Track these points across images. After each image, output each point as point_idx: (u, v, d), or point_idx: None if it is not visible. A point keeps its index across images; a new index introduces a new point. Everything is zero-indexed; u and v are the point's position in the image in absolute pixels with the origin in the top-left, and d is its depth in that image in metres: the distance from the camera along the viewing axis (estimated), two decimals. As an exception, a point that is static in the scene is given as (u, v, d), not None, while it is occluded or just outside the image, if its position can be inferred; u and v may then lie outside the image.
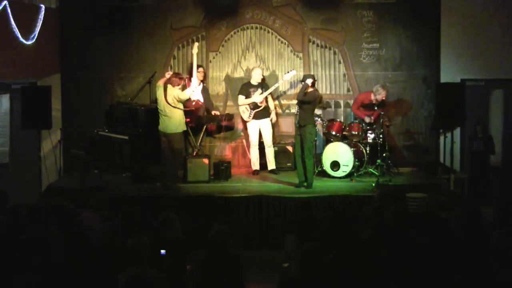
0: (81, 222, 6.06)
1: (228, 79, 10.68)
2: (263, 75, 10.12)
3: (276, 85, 10.06)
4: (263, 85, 10.01)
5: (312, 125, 9.04)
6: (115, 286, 4.75)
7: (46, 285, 4.86)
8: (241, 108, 10.00)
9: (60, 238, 5.43)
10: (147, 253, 4.85)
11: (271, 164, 10.07)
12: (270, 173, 10.04)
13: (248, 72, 10.51)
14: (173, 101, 8.91)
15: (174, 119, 8.97)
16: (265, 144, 10.04)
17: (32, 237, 5.39)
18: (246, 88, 9.96)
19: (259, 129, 9.99)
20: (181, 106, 8.99)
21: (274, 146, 10.17)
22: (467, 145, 10.22)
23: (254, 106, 9.89)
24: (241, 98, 9.96)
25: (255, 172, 10.08)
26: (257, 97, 9.86)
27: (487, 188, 9.63)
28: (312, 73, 10.56)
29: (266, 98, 9.95)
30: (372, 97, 9.94)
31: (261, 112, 9.93)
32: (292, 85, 10.54)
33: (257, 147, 10.06)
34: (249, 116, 9.92)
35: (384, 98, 9.91)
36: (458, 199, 9.09)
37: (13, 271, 4.96)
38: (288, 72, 10.00)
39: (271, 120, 10.09)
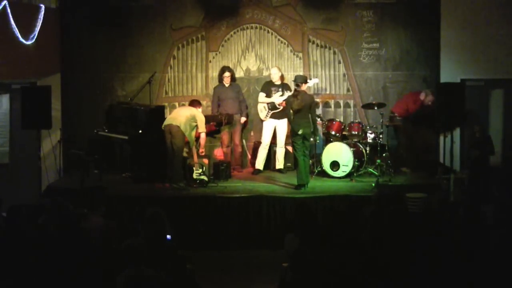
0: (84, 222, 6.09)
1: (228, 79, 10.66)
2: (281, 75, 10.11)
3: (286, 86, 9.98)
4: (285, 85, 10.01)
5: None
6: (114, 286, 4.74)
7: (45, 285, 4.87)
8: (260, 106, 10.01)
9: (60, 238, 5.42)
10: (144, 254, 4.85)
11: (280, 164, 10.14)
12: (277, 171, 10.10)
13: (248, 72, 10.57)
14: (189, 120, 9.10)
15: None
16: (277, 144, 10.05)
17: (32, 237, 5.39)
18: (267, 87, 9.99)
19: (274, 129, 10.00)
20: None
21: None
22: (466, 146, 10.23)
23: (272, 107, 9.91)
24: (262, 96, 9.98)
25: (255, 172, 10.08)
26: (277, 98, 9.85)
27: (487, 188, 9.62)
28: (312, 73, 10.58)
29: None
30: (422, 97, 10.02)
31: (279, 113, 9.91)
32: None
33: (267, 147, 10.07)
34: (266, 115, 9.94)
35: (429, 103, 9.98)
36: (458, 199, 9.10)
37: (13, 271, 4.96)
38: (310, 79, 9.98)
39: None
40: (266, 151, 10.08)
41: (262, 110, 9.99)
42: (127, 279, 4.67)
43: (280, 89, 9.94)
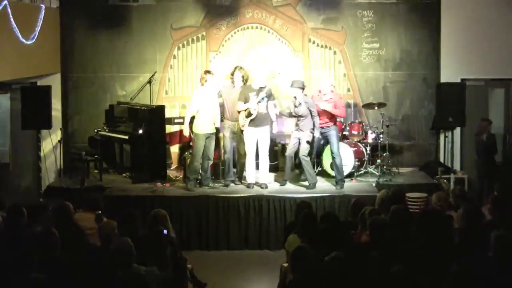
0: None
1: (228, 79, 10.63)
2: (264, 77, 9.24)
3: (266, 89, 8.93)
4: (263, 89, 8.94)
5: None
6: (112, 285, 4.75)
7: (45, 285, 4.86)
8: (240, 115, 9.01)
9: (60, 238, 5.42)
10: (133, 255, 4.85)
11: (263, 178, 9.17)
12: (255, 185, 9.16)
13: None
14: None
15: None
16: (260, 155, 9.11)
17: (32, 236, 5.39)
18: (245, 92, 8.99)
19: (256, 139, 9.03)
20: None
21: (275, 146, 10.07)
22: (466, 145, 10.24)
23: (248, 113, 8.92)
24: (240, 104, 8.95)
25: (250, 186, 9.12)
26: (252, 103, 8.90)
27: (490, 187, 9.63)
28: (312, 73, 10.56)
29: (267, 105, 8.95)
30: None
31: (258, 120, 8.93)
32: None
33: (253, 157, 9.10)
34: (243, 124, 8.96)
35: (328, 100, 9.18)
36: (461, 199, 9.09)
37: (13, 271, 4.95)
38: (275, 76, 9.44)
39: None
40: (253, 162, 9.11)
41: (241, 119, 8.98)
42: (123, 279, 4.68)
43: (259, 93, 8.90)
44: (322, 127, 9.09)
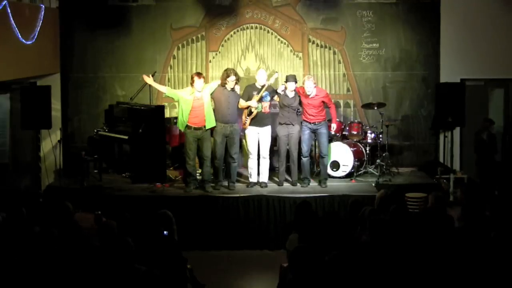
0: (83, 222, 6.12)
1: (228, 79, 10.62)
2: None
3: (265, 87, 8.97)
4: (266, 87, 9.03)
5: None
6: (112, 285, 4.75)
7: (45, 284, 4.87)
8: (243, 114, 9.13)
9: (60, 238, 5.42)
10: (133, 255, 4.86)
11: (263, 177, 9.25)
12: (256, 184, 9.22)
13: (248, 72, 10.55)
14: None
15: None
16: (260, 154, 9.16)
17: (31, 236, 5.39)
18: (248, 91, 9.09)
19: (258, 138, 9.14)
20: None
21: (274, 146, 10.07)
22: (466, 145, 10.25)
23: (249, 112, 9.03)
24: (242, 102, 9.05)
25: (251, 185, 9.21)
26: (253, 101, 8.97)
27: (490, 187, 9.65)
28: (311, 73, 10.56)
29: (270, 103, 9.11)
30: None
31: (261, 119, 9.03)
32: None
33: (255, 157, 9.17)
34: (245, 123, 9.08)
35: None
36: (458, 199, 9.12)
37: (13, 271, 4.96)
38: (272, 75, 9.27)
39: None
40: (256, 161, 9.18)
41: (242, 118, 9.10)
42: (123, 279, 4.68)
43: (257, 92, 8.99)
44: (313, 123, 9.09)
